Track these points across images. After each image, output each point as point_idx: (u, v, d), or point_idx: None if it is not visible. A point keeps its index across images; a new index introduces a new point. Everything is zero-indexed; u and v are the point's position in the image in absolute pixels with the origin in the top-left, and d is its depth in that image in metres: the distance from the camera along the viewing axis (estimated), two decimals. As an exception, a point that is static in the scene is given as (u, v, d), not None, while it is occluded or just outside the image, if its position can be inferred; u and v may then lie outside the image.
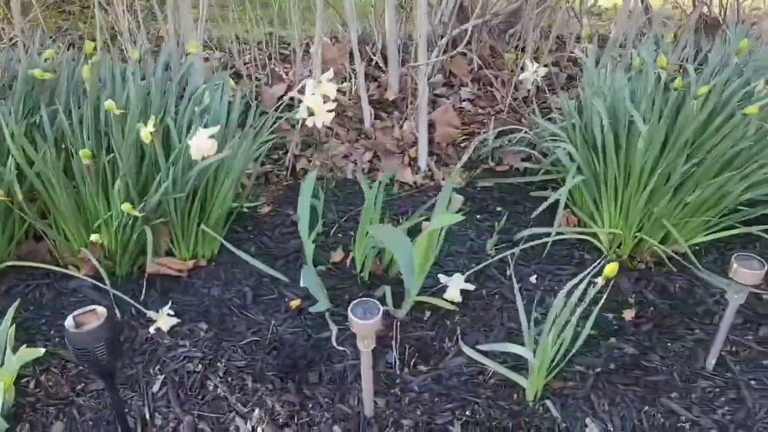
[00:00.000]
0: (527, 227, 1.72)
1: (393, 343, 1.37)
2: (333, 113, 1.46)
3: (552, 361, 1.24)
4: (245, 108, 1.63)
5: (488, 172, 2.07)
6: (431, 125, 2.11)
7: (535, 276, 1.61)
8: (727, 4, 2.43)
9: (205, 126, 1.42)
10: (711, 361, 1.32)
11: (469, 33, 2.08)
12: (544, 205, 1.65)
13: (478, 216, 1.86)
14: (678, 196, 1.57)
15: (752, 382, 1.28)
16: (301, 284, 1.44)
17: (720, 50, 1.67)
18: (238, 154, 1.46)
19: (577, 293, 1.16)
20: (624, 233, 1.64)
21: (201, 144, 1.33)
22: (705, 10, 2.53)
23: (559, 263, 1.65)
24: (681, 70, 1.67)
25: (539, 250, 1.69)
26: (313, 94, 1.42)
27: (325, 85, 1.43)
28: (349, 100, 2.16)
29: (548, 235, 1.68)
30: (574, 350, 1.23)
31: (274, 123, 1.67)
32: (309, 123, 1.47)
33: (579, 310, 1.16)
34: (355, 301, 1.07)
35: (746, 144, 1.47)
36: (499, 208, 1.89)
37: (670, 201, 1.58)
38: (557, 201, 1.61)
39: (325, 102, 1.44)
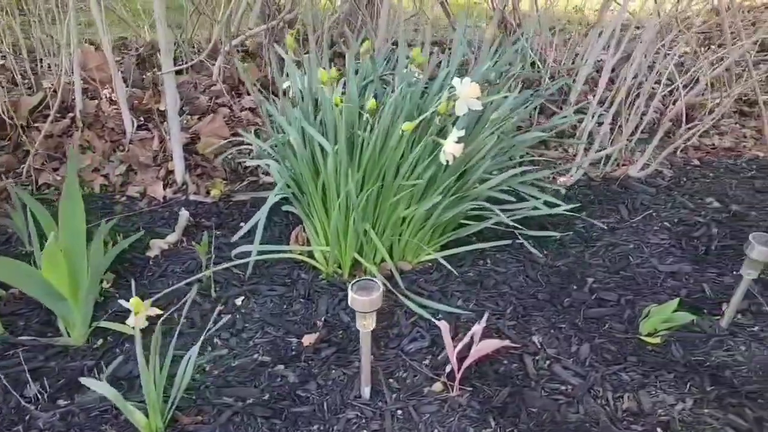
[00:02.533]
0: (269, 243, 1.66)
1: (27, 374, 1.27)
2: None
3: (176, 393, 1.16)
4: None
5: (253, 185, 1.99)
6: (196, 136, 2.02)
7: (243, 298, 1.53)
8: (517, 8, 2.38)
9: None
10: (365, 390, 1.25)
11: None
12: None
13: (217, 232, 1.77)
14: (382, 213, 1.51)
15: (399, 412, 1.22)
16: None
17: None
18: None
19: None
20: (339, 251, 1.56)
21: None
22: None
23: (274, 283, 1.58)
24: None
25: (263, 268, 1.61)
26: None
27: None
28: (114, 109, 2.06)
29: (278, 252, 1.62)
30: (185, 382, 1.15)
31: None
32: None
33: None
34: None
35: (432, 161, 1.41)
36: (242, 224, 1.81)
37: (378, 218, 1.52)
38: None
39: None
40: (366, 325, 1.15)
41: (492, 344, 1.29)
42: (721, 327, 1.42)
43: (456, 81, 1.39)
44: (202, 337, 1.30)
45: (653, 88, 2.08)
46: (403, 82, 1.45)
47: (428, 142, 1.39)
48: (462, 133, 1.35)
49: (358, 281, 1.12)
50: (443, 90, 1.55)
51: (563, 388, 1.28)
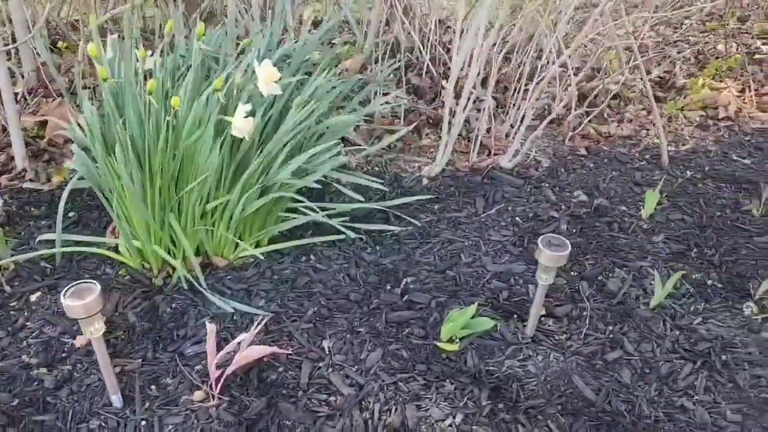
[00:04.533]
0: (95, 234, 1.59)
1: None
2: None
3: None
4: None
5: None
6: (43, 120, 1.94)
7: (39, 293, 1.45)
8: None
9: None
10: (113, 398, 1.17)
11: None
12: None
13: (43, 222, 1.69)
14: (185, 205, 1.42)
15: (143, 423, 1.14)
16: None
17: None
18: None
19: None
20: (142, 245, 1.48)
21: None
22: None
23: (79, 278, 1.49)
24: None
25: (75, 261, 1.54)
26: None
27: None
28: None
29: (84, 244, 1.54)
30: None
31: None
32: None
33: None
34: None
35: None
36: (72, 214, 1.73)
37: (182, 210, 1.44)
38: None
39: None
40: (93, 331, 1.07)
41: (258, 351, 1.22)
42: (525, 334, 1.33)
43: (255, 63, 1.30)
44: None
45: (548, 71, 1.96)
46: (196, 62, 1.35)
47: (212, 123, 1.30)
48: (248, 107, 1.26)
49: (76, 284, 1.04)
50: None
51: (332, 399, 1.19)
